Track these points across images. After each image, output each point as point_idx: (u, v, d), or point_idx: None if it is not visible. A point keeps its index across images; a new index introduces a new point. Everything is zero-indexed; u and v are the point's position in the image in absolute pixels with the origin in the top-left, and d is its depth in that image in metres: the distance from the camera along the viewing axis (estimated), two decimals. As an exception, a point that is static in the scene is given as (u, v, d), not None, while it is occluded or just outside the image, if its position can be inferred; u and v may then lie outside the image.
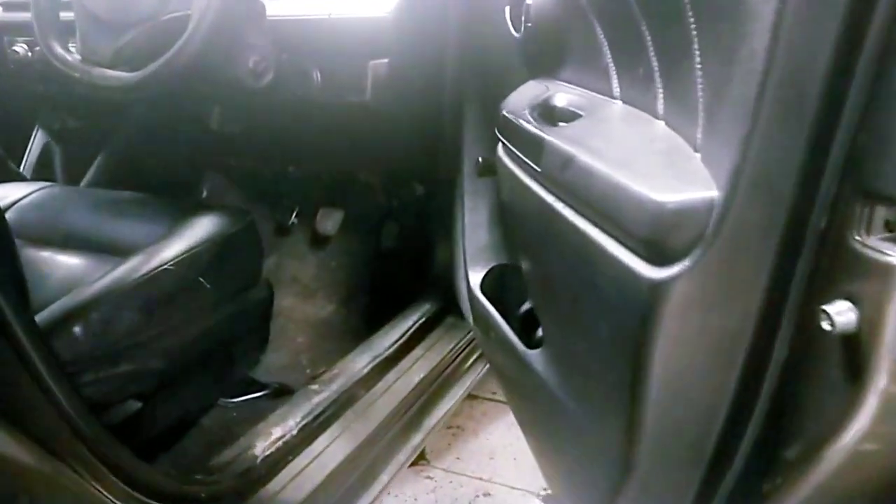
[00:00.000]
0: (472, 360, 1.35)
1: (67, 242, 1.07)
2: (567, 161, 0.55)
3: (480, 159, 1.15)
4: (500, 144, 0.83)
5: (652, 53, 0.59)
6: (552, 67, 0.85)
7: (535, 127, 0.65)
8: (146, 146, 1.58)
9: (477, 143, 1.20)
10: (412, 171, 1.58)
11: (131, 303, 0.86)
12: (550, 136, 0.60)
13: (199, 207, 1.11)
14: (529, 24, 0.85)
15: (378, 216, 1.74)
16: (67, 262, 1.02)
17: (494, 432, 1.54)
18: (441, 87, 1.32)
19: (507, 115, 0.77)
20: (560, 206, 0.58)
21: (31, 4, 1.19)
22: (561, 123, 0.72)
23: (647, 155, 0.51)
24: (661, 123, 0.56)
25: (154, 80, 1.07)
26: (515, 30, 0.92)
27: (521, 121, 0.71)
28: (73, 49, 1.23)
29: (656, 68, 0.59)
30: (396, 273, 1.70)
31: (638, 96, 0.63)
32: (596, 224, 0.53)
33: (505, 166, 0.78)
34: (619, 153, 0.52)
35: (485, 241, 1.16)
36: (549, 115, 0.75)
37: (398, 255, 1.71)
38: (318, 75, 1.29)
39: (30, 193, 1.21)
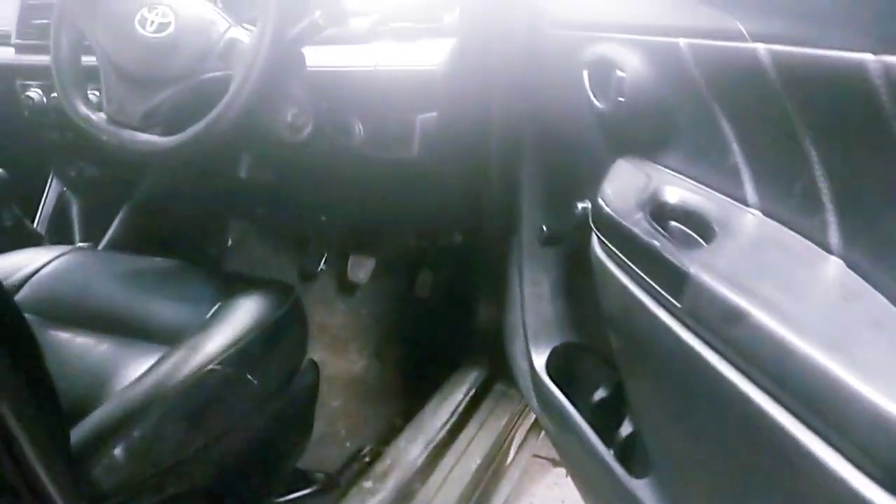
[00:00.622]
0: (525, 433, 1.25)
1: (96, 323, 0.98)
2: (734, 315, 0.46)
3: (544, 228, 1.06)
4: (594, 238, 0.74)
5: (818, 169, 0.50)
6: (649, 150, 0.75)
7: (668, 251, 0.55)
8: (170, 196, 1.48)
9: (536, 208, 1.11)
10: (452, 220, 1.49)
11: (176, 413, 0.77)
12: (699, 272, 0.51)
13: (241, 282, 1.01)
14: (622, 99, 0.76)
15: (412, 263, 1.65)
16: (97, 348, 0.93)
17: None
18: (489, 141, 1.23)
19: (610, 212, 0.68)
20: (716, 361, 0.48)
21: (52, 54, 1.10)
22: (682, 229, 0.63)
23: (859, 327, 0.41)
24: (842, 264, 0.47)
25: (193, 145, 0.98)
26: (598, 100, 0.83)
27: (637, 229, 0.62)
28: (92, 97, 1.14)
29: (824, 188, 0.50)
30: (432, 324, 1.61)
31: (791, 215, 0.54)
32: (790, 411, 0.43)
33: (606, 269, 0.69)
34: (814, 318, 0.43)
35: (548, 316, 1.07)
36: (661, 212, 0.66)
37: (433, 305, 1.61)
38: (361, 128, 1.20)
39: (49, 261, 1.11)
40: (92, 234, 1.47)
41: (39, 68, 1.37)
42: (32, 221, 1.43)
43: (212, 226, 1.55)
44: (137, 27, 1.03)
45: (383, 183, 1.32)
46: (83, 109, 1.07)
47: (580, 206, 0.86)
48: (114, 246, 1.32)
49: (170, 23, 1.02)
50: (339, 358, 1.60)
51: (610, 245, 0.67)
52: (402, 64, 1.12)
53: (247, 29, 1.04)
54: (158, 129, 1.03)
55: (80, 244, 1.32)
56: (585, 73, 0.85)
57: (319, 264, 1.70)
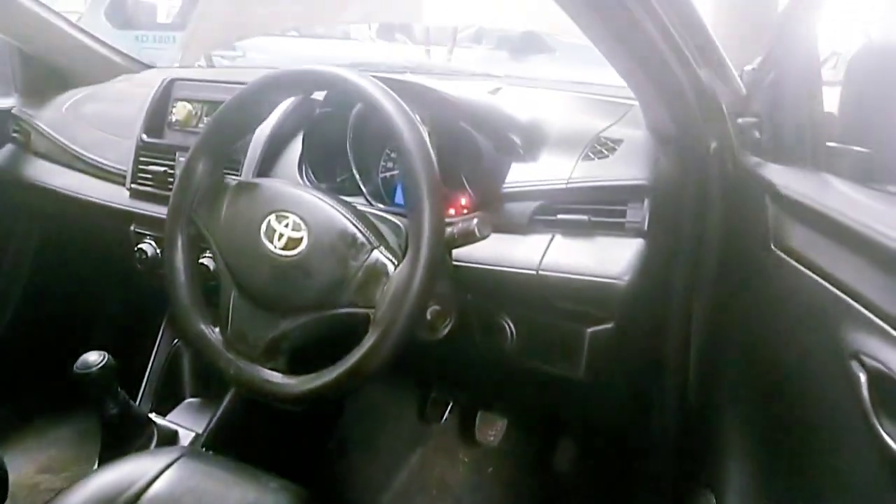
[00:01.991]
0: None
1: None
2: None
3: None
4: None
5: None
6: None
7: None
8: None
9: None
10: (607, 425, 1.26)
11: None
12: None
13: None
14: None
15: (551, 430, 1.43)
16: None
17: None
18: (672, 356, 0.99)
19: None
20: None
21: (166, 250, 0.95)
22: None
23: None
24: None
25: (331, 390, 0.80)
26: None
27: None
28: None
29: None
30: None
31: None
32: None
33: None
34: None
35: None
36: None
37: (574, 484, 1.39)
38: (513, 330, 0.99)
39: (160, 473, 0.97)
40: (204, 387, 1.35)
41: (154, 219, 1.25)
42: (141, 375, 1.32)
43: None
44: (264, 240, 0.86)
45: (533, 387, 1.11)
46: (198, 324, 0.92)
47: None
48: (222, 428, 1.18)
49: (301, 239, 0.85)
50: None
51: None
52: (573, 270, 0.90)
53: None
54: (282, 361, 0.86)
55: (190, 430, 1.18)
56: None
57: (442, 415, 1.51)
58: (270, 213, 0.87)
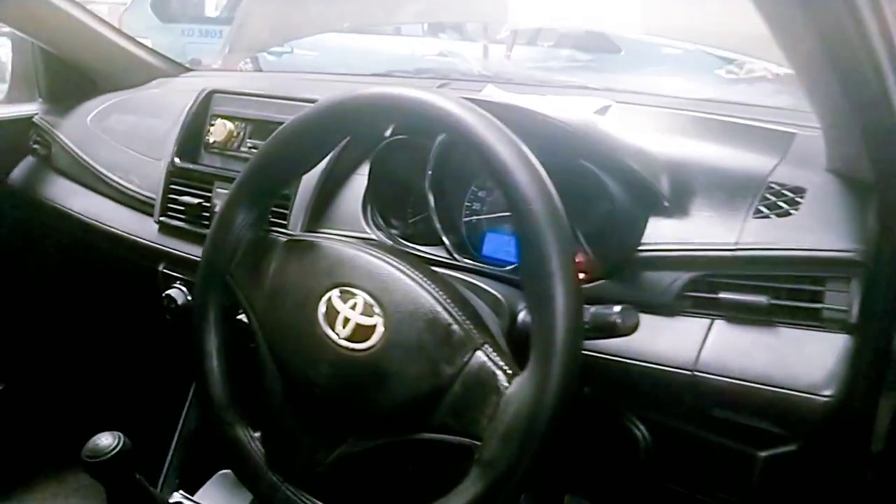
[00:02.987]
0: None
1: None
2: None
3: None
4: None
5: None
6: None
7: None
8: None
9: None
10: None
11: None
12: None
13: None
14: None
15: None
16: None
17: None
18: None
19: None
20: None
21: (194, 319, 0.73)
22: None
23: None
24: None
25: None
26: None
27: None
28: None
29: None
30: None
31: None
32: None
33: None
34: None
35: None
36: None
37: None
38: (647, 441, 0.74)
39: None
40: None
41: (187, 260, 1.03)
42: (166, 441, 1.11)
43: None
44: (322, 324, 0.63)
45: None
46: (233, 428, 0.69)
47: None
48: None
49: (373, 328, 0.61)
50: None
51: None
52: (746, 374, 0.65)
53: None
54: (344, 495, 0.63)
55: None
56: None
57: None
58: (332, 288, 0.64)
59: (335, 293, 0.63)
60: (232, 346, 0.72)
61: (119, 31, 1.41)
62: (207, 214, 1.01)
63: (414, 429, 0.59)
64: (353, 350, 0.61)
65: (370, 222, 0.89)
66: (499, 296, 0.70)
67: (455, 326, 0.59)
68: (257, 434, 0.68)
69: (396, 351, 0.60)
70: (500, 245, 0.87)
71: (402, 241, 0.88)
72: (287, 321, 0.66)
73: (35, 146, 1.36)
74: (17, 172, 1.37)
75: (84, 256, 1.26)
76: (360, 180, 0.92)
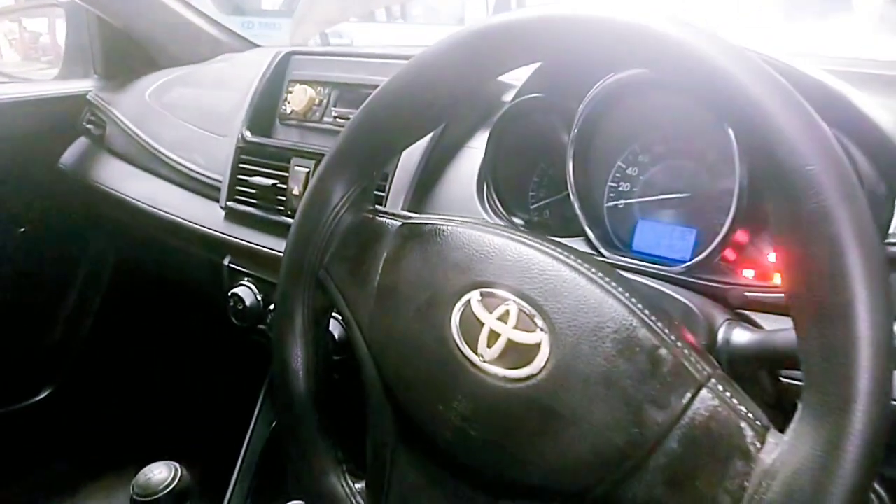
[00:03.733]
0: None
1: None
2: None
3: None
4: None
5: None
6: None
7: None
8: None
9: None
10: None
11: None
12: None
13: None
14: None
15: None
16: None
17: None
18: None
19: None
20: None
21: (273, 341, 0.56)
22: None
23: None
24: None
25: None
26: None
27: None
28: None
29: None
30: None
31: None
32: None
33: None
34: None
35: None
36: None
37: None
38: None
39: None
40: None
41: (257, 253, 0.87)
42: (229, 466, 0.95)
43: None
44: (456, 338, 0.44)
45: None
46: (326, 475, 0.51)
47: None
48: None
49: (536, 347, 0.42)
50: None
51: None
52: None
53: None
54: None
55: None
56: None
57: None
58: (472, 289, 0.45)
59: (475, 296, 0.45)
60: (326, 365, 0.54)
61: (183, 1, 1.27)
62: (283, 198, 0.84)
63: (600, 502, 0.40)
64: (504, 379, 0.43)
65: (487, 206, 0.71)
66: (691, 305, 0.51)
67: (663, 351, 0.40)
68: (359, 486, 0.51)
69: (573, 383, 0.41)
70: (656, 237, 0.67)
71: (522, 228, 0.69)
72: (405, 333, 0.48)
73: (88, 126, 1.23)
74: (69, 155, 1.23)
75: (140, 247, 1.12)
76: (472, 154, 0.73)
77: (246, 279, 0.88)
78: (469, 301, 0.45)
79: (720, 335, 0.49)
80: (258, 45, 1.34)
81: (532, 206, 0.74)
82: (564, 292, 0.43)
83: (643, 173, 0.68)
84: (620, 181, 0.69)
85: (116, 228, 1.18)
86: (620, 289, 0.42)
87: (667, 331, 0.40)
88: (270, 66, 0.92)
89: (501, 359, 0.43)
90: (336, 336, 0.73)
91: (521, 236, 0.47)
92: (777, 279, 0.55)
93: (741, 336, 0.47)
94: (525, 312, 0.43)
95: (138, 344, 1.31)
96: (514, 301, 0.44)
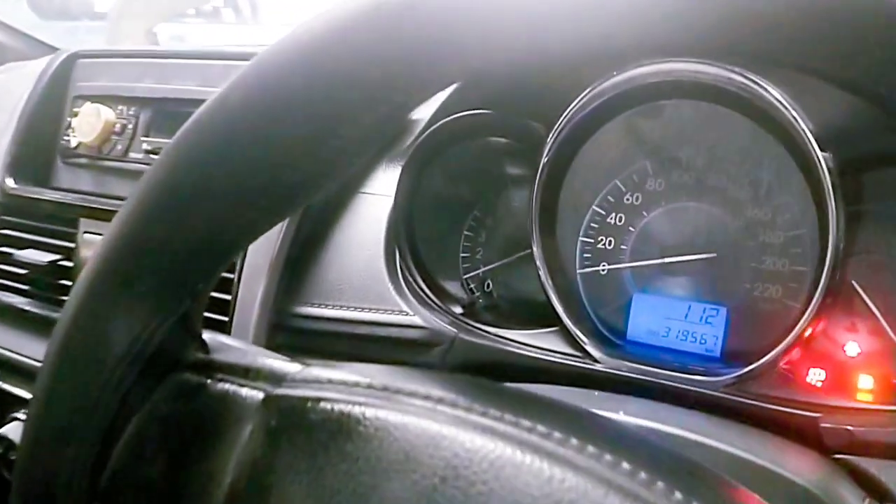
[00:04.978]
0: None
1: None
2: None
3: None
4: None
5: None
6: None
7: None
8: None
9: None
10: None
11: None
12: None
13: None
14: None
15: None
16: None
17: None
18: None
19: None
20: None
21: None
22: None
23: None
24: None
25: None
26: None
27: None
28: None
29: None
30: None
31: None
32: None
33: None
34: None
35: None
36: None
37: None
38: None
39: None
40: None
41: (28, 369, 0.55)
42: None
43: None
44: None
45: None
46: None
47: None
48: None
49: None
50: None
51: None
52: None
53: None
54: None
55: None
56: None
57: None
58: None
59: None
60: None
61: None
62: (68, 283, 0.53)
63: None
64: None
65: (402, 284, 0.45)
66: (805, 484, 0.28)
67: None
68: None
69: None
70: (660, 320, 0.44)
71: (464, 321, 0.44)
72: None
73: None
74: None
75: None
76: (373, 204, 0.47)
77: (19, 410, 0.55)
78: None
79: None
80: (59, 49, 1.01)
81: (466, 276, 0.49)
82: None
83: (633, 221, 0.45)
84: (598, 235, 0.46)
85: None
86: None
87: None
88: (45, 74, 0.61)
89: None
90: None
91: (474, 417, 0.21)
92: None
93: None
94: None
95: None
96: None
